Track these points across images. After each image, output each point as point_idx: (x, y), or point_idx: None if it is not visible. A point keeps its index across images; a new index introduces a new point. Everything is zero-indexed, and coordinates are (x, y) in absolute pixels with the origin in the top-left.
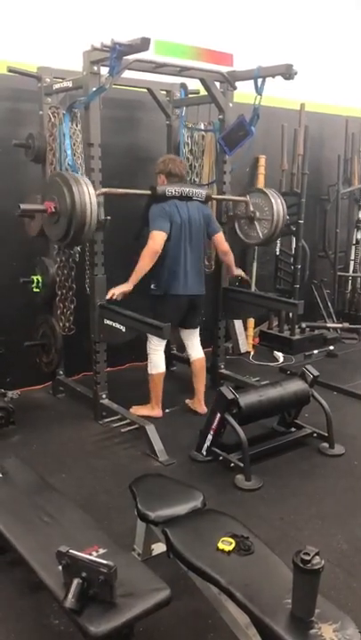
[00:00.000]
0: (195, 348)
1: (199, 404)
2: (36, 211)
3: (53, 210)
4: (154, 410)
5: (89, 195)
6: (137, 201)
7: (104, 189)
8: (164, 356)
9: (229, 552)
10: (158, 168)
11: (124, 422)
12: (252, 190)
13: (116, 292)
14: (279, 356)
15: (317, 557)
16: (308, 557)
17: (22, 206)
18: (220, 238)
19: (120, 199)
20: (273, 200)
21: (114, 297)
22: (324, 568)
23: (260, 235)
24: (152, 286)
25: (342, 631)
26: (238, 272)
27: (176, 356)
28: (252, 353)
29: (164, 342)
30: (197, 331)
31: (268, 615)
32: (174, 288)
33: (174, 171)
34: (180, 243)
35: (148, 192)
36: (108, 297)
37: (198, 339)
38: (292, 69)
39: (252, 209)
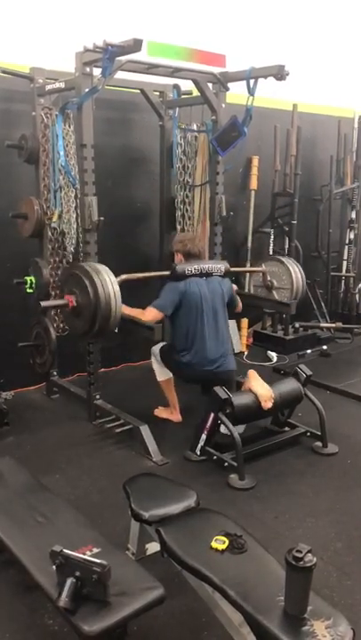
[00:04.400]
0: None
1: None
2: (58, 306)
3: (75, 304)
4: (172, 414)
5: (111, 284)
6: (131, 200)
7: (124, 276)
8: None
9: (223, 551)
10: (176, 247)
11: (118, 422)
12: (267, 259)
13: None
14: (273, 355)
15: (310, 555)
16: (300, 555)
17: (43, 304)
18: (239, 309)
19: (114, 198)
20: (291, 269)
21: None
22: (316, 566)
23: None
24: (177, 350)
25: (335, 628)
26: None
27: None
28: (245, 353)
29: None
30: None
31: (262, 613)
32: (195, 360)
33: (193, 251)
34: (199, 318)
35: (168, 273)
36: None
37: None
38: (285, 70)
39: (269, 278)
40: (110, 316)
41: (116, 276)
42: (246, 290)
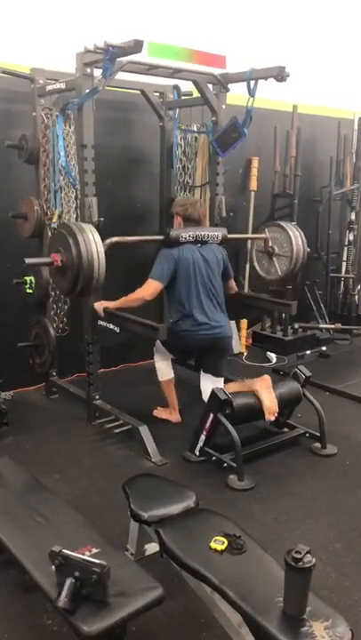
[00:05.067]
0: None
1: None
2: (43, 264)
3: (60, 263)
4: (172, 415)
5: (95, 244)
6: (131, 200)
7: (115, 239)
8: (170, 364)
9: (222, 551)
10: (176, 210)
11: (118, 423)
12: (270, 224)
13: (99, 306)
14: (272, 356)
15: (309, 556)
16: (299, 556)
17: (28, 261)
18: (232, 283)
19: (114, 198)
20: (292, 234)
21: (100, 312)
22: (315, 567)
23: (279, 272)
24: (170, 320)
25: (333, 629)
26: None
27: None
28: (244, 354)
29: (169, 356)
30: (219, 380)
31: (261, 613)
32: (191, 328)
33: (193, 216)
34: (193, 286)
35: (162, 237)
36: (96, 306)
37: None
38: (285, 71)
39: (270, 244)
40: (93, 276)
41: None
42: (248, 258)
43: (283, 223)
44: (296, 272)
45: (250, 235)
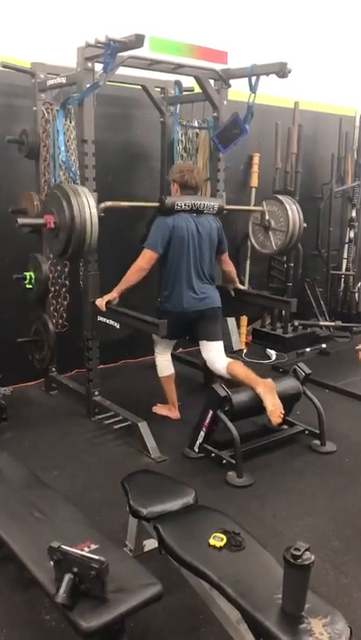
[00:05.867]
0: (218, 360)
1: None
2: (36, 225)
3: (53, 225)
4: (171, 411)
5: (89, 207)
6: (131, 196)
7: (108, 203)
8: (170, 359)
9: (221, 548)
10: (173, 176)
11: (117, 419)
12: (268, 197)
13: (101, 303)
14: (272, 353)
15: (308, 553)
16: (298, 553)
17: (20, 221)
18: (226, 257)
19: (114, 194)
20: (289, 208)
21: (102, 308)
22: (314, 564)
23: (274, 246)
24: (158, 299)
25: (332, 626)
26: (241, 287)
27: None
28: (244, 351)
29: (169, 349)
30: (217, 344)
31: (259, 610)
32: (177, 304)
33: (190, 183)
34: (184, 257)
35: (156, 204)
36: (97, 303)
37: (219, 352)
38: (287, 68)
39: (267, 217)
40: (85, 239)
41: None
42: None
43: (281, 197)
44: (291, 247)
45: (247, 207)
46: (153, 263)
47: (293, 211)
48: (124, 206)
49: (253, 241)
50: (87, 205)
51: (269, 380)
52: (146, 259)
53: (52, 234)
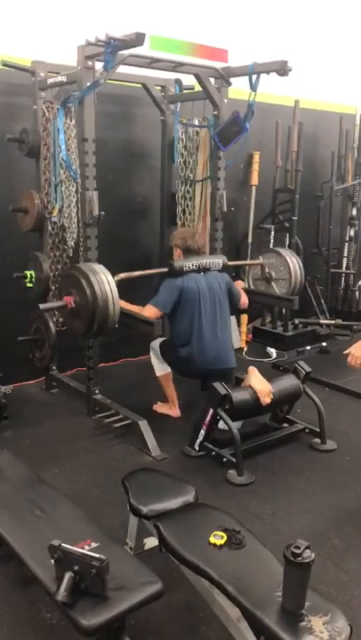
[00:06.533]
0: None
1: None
2: (56, 308)
3: (73, 305)
4: (171, 409)
5: (108, 284)
6: (132, 195)
7: (122, 275)
8: None
9: (221, 546)
10: (175, 242)
11: (117, 417)
12: (265, 251)
13: None
14: (272, 352)
15: (308, 551)
16: (298, 551)
17: (42, 306)
18: (243, 299)
19: (115, 192)
20: (289, 260)
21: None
22: (314, 562)
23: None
24: (176, 345)
25: (332, 623)
26: (242, 284)
27: None
28: (245, 349)
29: None
30: None
31: (259, 608)
32: (189, 361)
33: (193, 247)
34: (197, 313)
35: (166, 269)
36: None
37: None
38: (287, 66)
39: (267, 270)
40: (108, 315)
41: (114, 273)
42: (246, 285)
43: (278, 249)
44: (296, 294)
45: (248, 261)
46: (155, 318)
47: (294, 262)
48: (136, 276)
49: None
50: (106, 282)
51: (251, 367)
52: (151, 314)
53: (73, 315)
